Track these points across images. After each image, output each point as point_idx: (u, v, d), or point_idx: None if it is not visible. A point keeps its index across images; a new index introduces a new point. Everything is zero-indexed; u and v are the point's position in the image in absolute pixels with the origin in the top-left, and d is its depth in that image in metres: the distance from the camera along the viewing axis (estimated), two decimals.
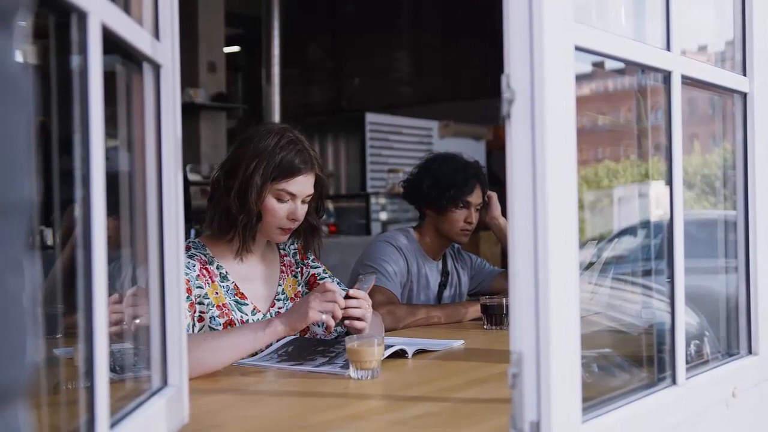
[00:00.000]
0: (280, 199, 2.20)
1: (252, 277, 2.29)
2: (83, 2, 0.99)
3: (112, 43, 1.12)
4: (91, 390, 1.01)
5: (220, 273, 2.23)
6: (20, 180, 0.60)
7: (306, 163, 2.22)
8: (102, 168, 1.03)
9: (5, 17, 0.60)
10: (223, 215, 2.21)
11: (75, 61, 1.03)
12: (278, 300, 2.33)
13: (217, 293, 2.18)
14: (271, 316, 2.26)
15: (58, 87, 1.04)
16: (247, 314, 2.22)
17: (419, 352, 2.18)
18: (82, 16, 1.01)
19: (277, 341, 2.15)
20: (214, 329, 2.15)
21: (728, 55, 1.96)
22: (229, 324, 2.17)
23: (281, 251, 2.42)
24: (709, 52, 2.11)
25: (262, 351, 2.12)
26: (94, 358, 1.01)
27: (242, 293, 2.24)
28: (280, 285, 2.35)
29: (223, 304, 2.18)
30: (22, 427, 0.62)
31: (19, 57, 0.63)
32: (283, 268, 2.39)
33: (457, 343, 2.36)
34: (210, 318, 2.15)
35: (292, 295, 2.37)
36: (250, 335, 2.03)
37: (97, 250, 1.02)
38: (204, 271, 2.18)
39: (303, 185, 2.23)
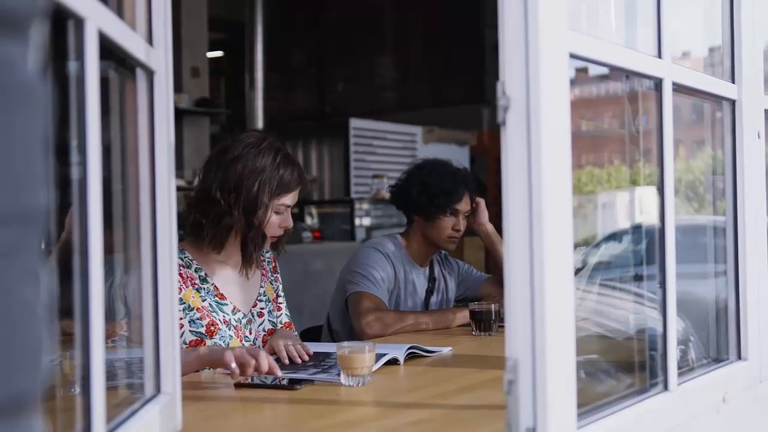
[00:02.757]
0: (277, 213, 2.30)
1: (233, 280, 2.36)
2: (80, 8, 0.98)
3: (106, 49, 1.12)
4: (87, 398, 1.00)
5: (200, 276, 2.29)
6: (35, 188, 0.60)
7: (302, 176, 2.34)
8: (98, 174, 1.02)
9: (20, 27, 0.60)
10: (225, 231, 2.26)
11: (71, 66, 1.02)
12: (260, 300, 2.42)
13: (194, 297, 2.24)
14: (252, 315, 2.36)
15: (53, 92, 1.04)
16: (228, 314, 2.29)
17: (411, 357, 2.19)
18: (79, 22, 1.00)
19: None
20: (195, 332, 2.21)
21: (716, 61, 1.97)
22: (211, 325, 2.23)
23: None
24: (696, 58, 2.13)
25: None
26: (90, 366, 1.00)
27: (222, 294, 2.30)
28: (261, 287, 2.44)
29: (202, 306, 2.24)
30: None
31: (33, 65, 0.62)
32: (264, 272, 2.47)
33: (446, 350, 2.37)
34: (190, 321, 2.21)
35: (271, 298, 2.46)
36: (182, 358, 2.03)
37: (93, 257, 1.01)
38: (179, 276, 2.21)
39: (296, 196, 2.34)
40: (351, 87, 10.18)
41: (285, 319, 2.49)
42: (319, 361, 2.13)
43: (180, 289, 2.20)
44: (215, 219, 2.24)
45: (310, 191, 8.26)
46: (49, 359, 0.63)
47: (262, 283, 2.44)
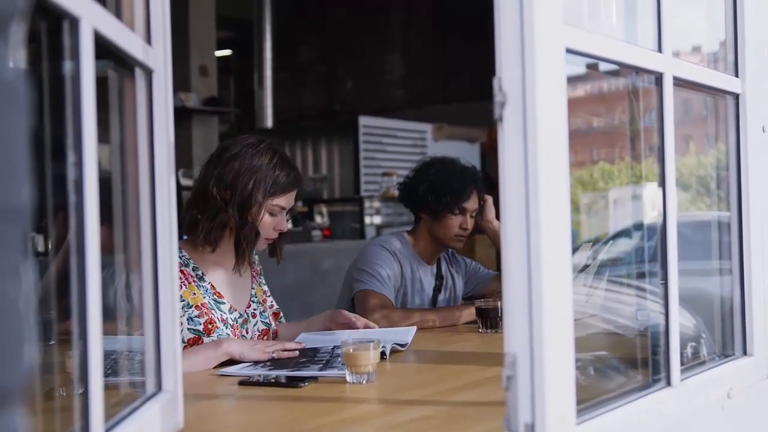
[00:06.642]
0: (271, 214, 2.33)
1: (228, 280, 2.40)
2: (75, 8, 0.99)
3: (104, 48, 1.12)
4: (85, 396, 1.01)
5: (197, 274, 2.32)
6: (18, 185, 0.61)
7: (298, 179, 2.38)
8: (95, 174, 1.03)
9: (1, 24, 0.61)
10: (218, 228, 2.30)
11: (67, 66, 1.02)
12: (253, 302, 2.46)
13: (194, 294, 2.28)
14: (246, 315, 2.41)
15: (50, 92, 1.04)
16: (225, 312, 2.33)
17: (419, 355, 2.21)
18: (74, 22, 1.00)
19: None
20: (193, 330, 2.24)
21: (720, 55, 1.96)
22: (209, 323, 2.26)
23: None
24: (701, 53, 2.12)
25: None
26: (88, 363, 1.01)
27: (219, 293, 2.34)
28: (252, 288, 2.49)
29: (201, 304, 2.28)
30: (19, 430, 0.62)
31: (14, 63, 0.63)
32: (254, 273, 2.52)
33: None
34: (188, 319, 2.24)
35: (261, 300, 2.50)
36: (203, 355, 2.10)
37: (91, 256, 1.01)
38: (180, 274, 2.25)
39: (292, 199, 2.38)
40: (360, 85, 10.17)
41: (273, 310, 2.55)
42: (311, 357, 2.13)
43: (181, 286, 2.23)
44: (210, 215, 2.28)
45: (320, 189, 8.27)
46: (31, 354, 0.63)
47: (253, 285, 2.49)
